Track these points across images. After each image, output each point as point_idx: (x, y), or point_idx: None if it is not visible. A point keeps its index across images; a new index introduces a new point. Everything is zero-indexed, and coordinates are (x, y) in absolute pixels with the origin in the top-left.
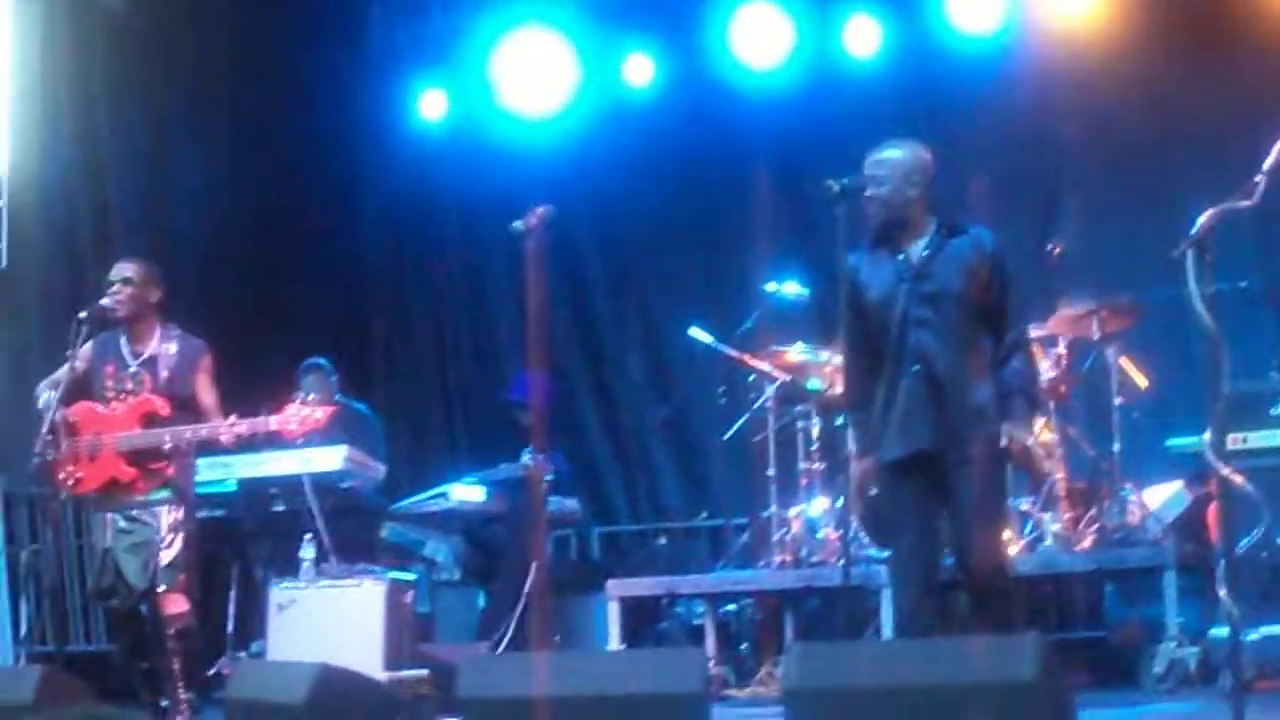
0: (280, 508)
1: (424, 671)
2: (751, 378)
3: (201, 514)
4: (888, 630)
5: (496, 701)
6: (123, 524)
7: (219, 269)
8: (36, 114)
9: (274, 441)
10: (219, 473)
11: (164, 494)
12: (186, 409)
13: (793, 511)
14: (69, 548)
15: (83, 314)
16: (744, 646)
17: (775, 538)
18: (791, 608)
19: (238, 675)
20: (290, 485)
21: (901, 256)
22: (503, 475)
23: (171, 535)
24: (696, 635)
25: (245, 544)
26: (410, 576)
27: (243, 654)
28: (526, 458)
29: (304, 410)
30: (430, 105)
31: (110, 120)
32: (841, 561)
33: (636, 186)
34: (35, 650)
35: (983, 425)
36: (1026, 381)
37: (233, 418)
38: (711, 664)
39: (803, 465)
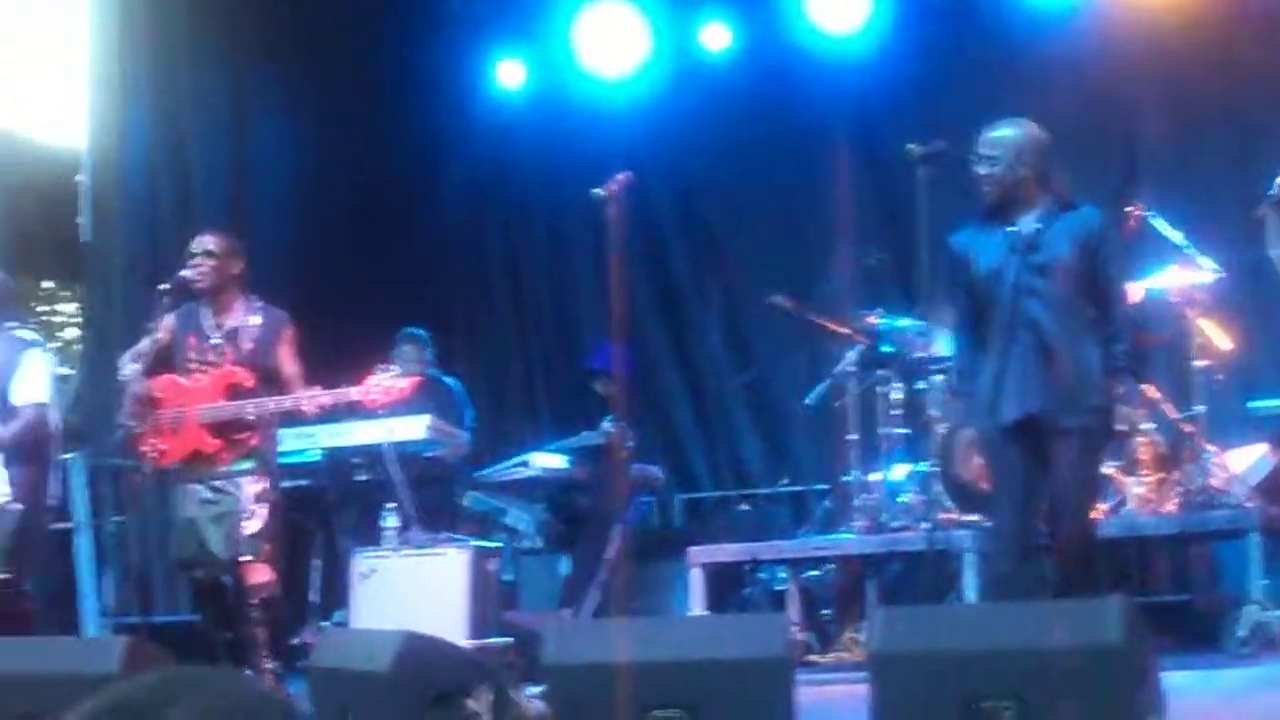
0: (364, 477)
1: (508, 639)
2: (833, 342)
3: (285, 484)
4: (970, 594)
5: (580, 668)
6: (206, 495)
7: (300, 241)
8: (116, 89)
9: (357, 411)
10: (303, 442)
11: (248, 465)
12: (269, 380)
13: (874, 476)
14: (152, 519)
15: (164, 286)
16: (826, 612)
17: (857, 503)
18: (873, 573)
19: (322, 644)
20: (374, 454)
21: (1013, 229)
22: (584, 443)
23: (255, 506)
24: (779, 601)
25: (329, 513)
26: (493, 545)
27: (326, 623)
28: (608, 425)
29: (386, 380)
30: (510, 74)
31: (190, 93)
32: (924, 526)
33: (715, 153)
34: (119, 621)
35: (1089, 395)
36: (1132, 359)
37: (316, 388)
38: (794, 630)
39: (884, 430)
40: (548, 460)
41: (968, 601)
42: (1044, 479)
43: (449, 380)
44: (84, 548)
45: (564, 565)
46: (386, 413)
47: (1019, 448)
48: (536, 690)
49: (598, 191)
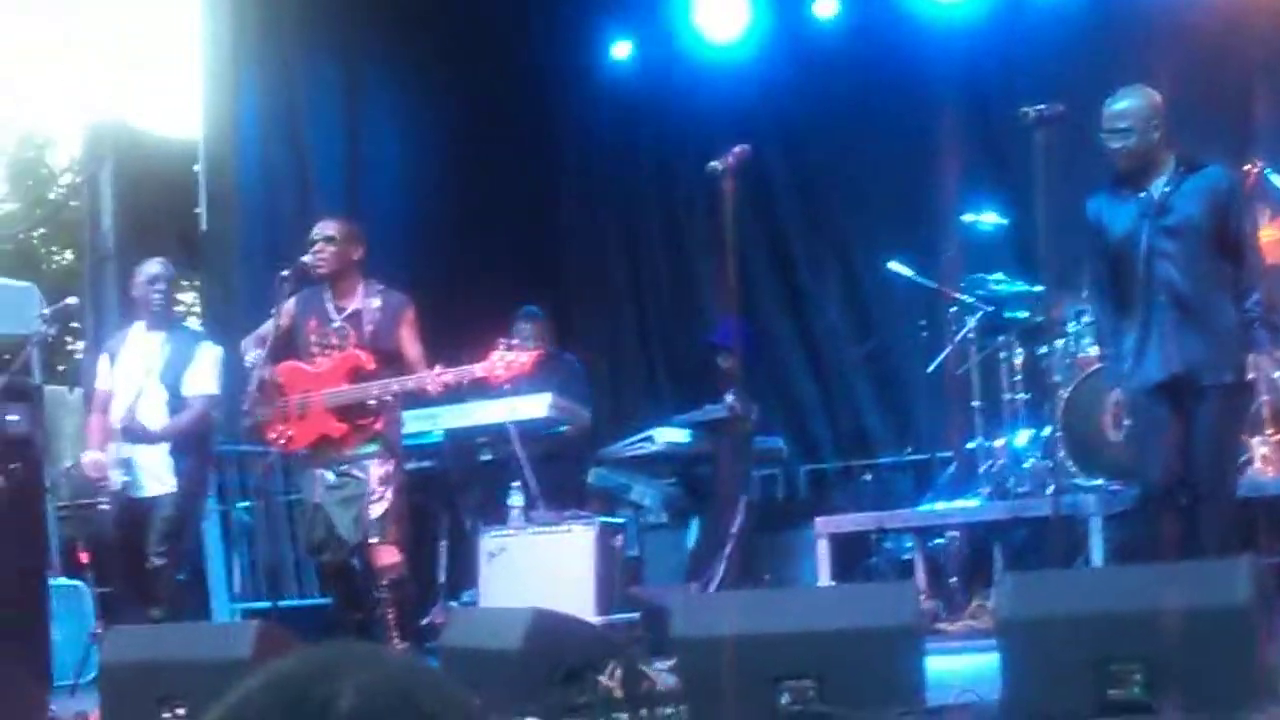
0: (488, 456)
1: (635, 614)
2: (952, 309)
3: (410, 465)
4: (1097, 558)
5: (709, 641)
6: (333, 479)
7: (416, 222)
8: (230, 78)
9: (480, 390)
10: (426, 424)
11: (373, 448)
12: (391, 363)
13: (998, 442)
14: (279, 503)
15: (285, 272)
16: (953, 580)
17: (981, 469)
18: (1000, 539)
19: (452, 624)
20: (497, 434)
21: (1144, 194)
22: (707, 416)
23: (382, 488)
24: (905, 570)
25: (454, 494)
26: (619, 520)
27: (455, 603)
28: (730, 398)
29: (509, 355)
30: (623, 49)
31: (304, 80)
32: (1050, 491)
33: (829, 121)
34: (249, 606)
35: (1228, 352)
36: (1266, 310)
37: (438, 367)
38: (922, 598)
39: (1006, 396)
40: (671, 435)
41: (1095, 565)
42: (1187, 437)
43: (568, 356)
44: (213, 533)
45: (689, 539)
46: (509, 391)
47: (1164, 408)
48: (665, 664)
49: (714, 165)
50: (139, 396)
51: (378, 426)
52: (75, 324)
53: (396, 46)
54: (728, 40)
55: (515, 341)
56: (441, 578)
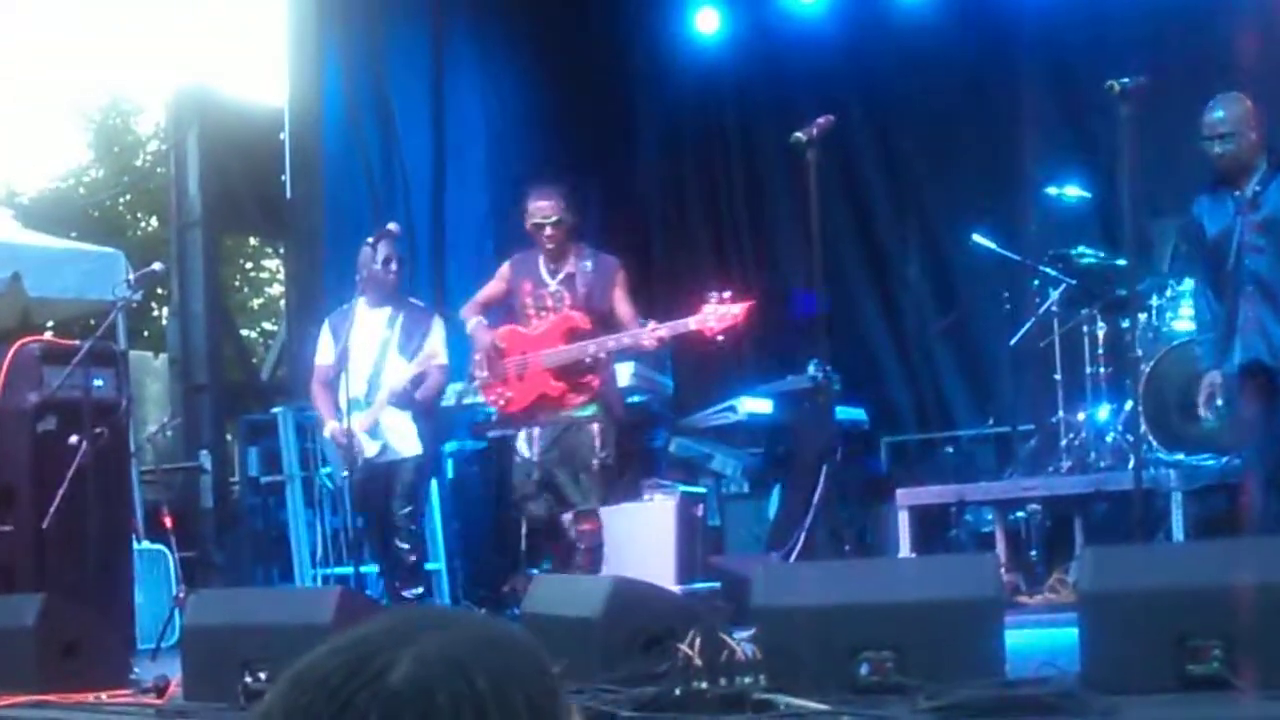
0: None
1: (716, 584)
2: (1035, 282)
3: (492, 434)
4: (1178, 533)
5: (789, 611)
6: (551, 437)
7: (500, 190)
8: (314, 45)
9: (690, 343)
10: None
11: (592, 410)
12: (605, 323)
13: (1080, 416)
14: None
15: (370, 239)
16: (1034, 553)
17: (1063, 443)
18: (1080, 513)
19: (533, 591)
20: None
21: (1239, 193)
22: (790, 387)
23: (602, 451)
24: (986, 543)
25: None
26: (700, 490)
27: (536, 570)
28: (813, 369)
29: (721, 308)
30: (709, 16)
31: (389, 47)
32: (1131, 465)
33: (914, 92)
34: (329, 572)
35: None
36: None
37: (651, 323)
38: (1002, 571)
39: (1088, 369)
40: (753, 405)
41: (1176, 540)
42: (1273, 417)
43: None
44: (295, 499)
45: (770, 509)
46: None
47: (1254, 389)
48: (746, 633)
49: (798, 136)
50: (380, 368)
51: (595, 385)
52: (160, 290)
53: (482, 13)
54: (813, 10)
55: (728, 294)
56: (523, 546)
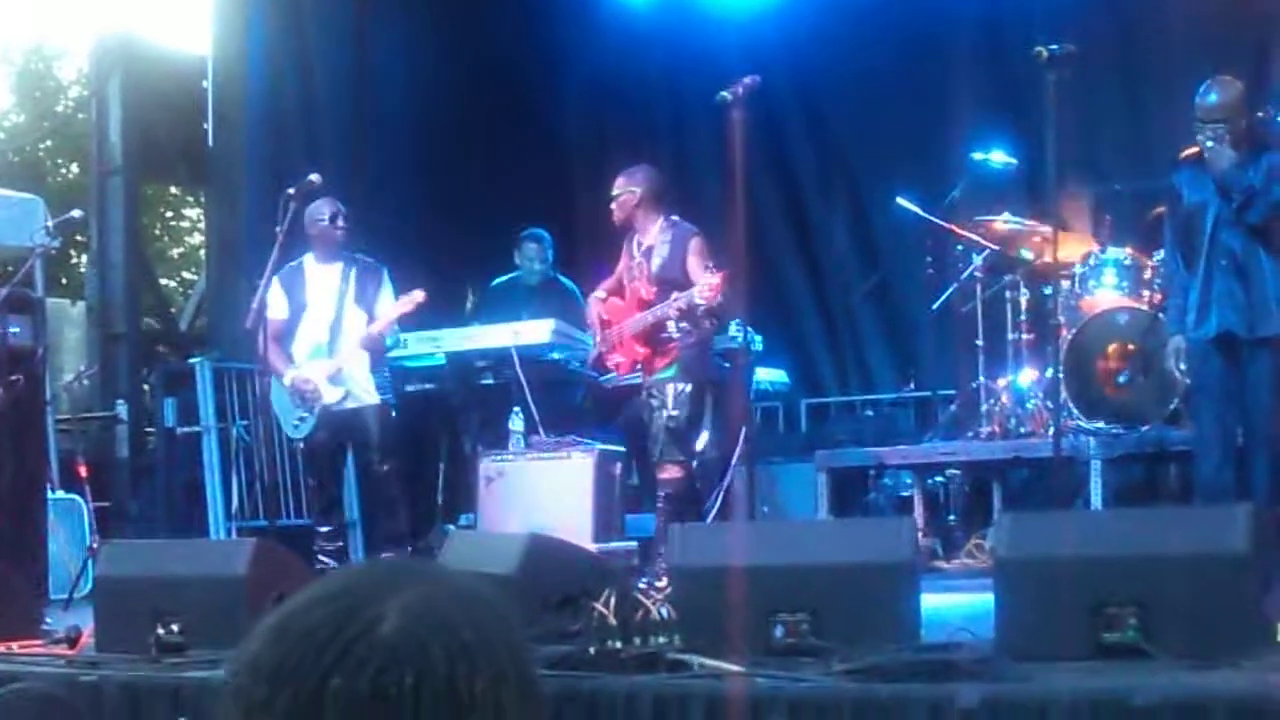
0: (489, 381)
1: (632, 542)
2: (959, 247)
3: (410, 388)
4: (1096, 500)
5: (704, 571)
6: (646, 399)
7: (422, 144)
8: None
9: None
10: (428, 346)
11: (671, 372)
12: (681, 290)
13: (1001, 382)
14: (276, 423)
15: (290, 190)
16: (952, 518)
17: (983, 408)
18: (999, 479)
19: (448, 546)
20: (499, 358)
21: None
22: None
23: (675, 409)
24: (904, 507)
25: (454, 417)
26: (619, 449)
27: (452, 526)
28: (734, 330)
29: (707, 276)
30: None
31: None
32: (1051, 432)
33: (842, 54)
34: (245, 524)
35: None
36: None
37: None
38: (920, 535)
39: (1011, 336)
40: None
41: (1094, 508)
42: (1239, 387)
43: (566, 281)
44: (211, 450)
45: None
46: (511, 317)
47: (1217, 360)
48: (660, 593)
49: (723, 95)
50: (340, 319)
51: (674, 350)
52: (80, 237)
53: None
54: None
55: (711, 264)
56: (439, 500)
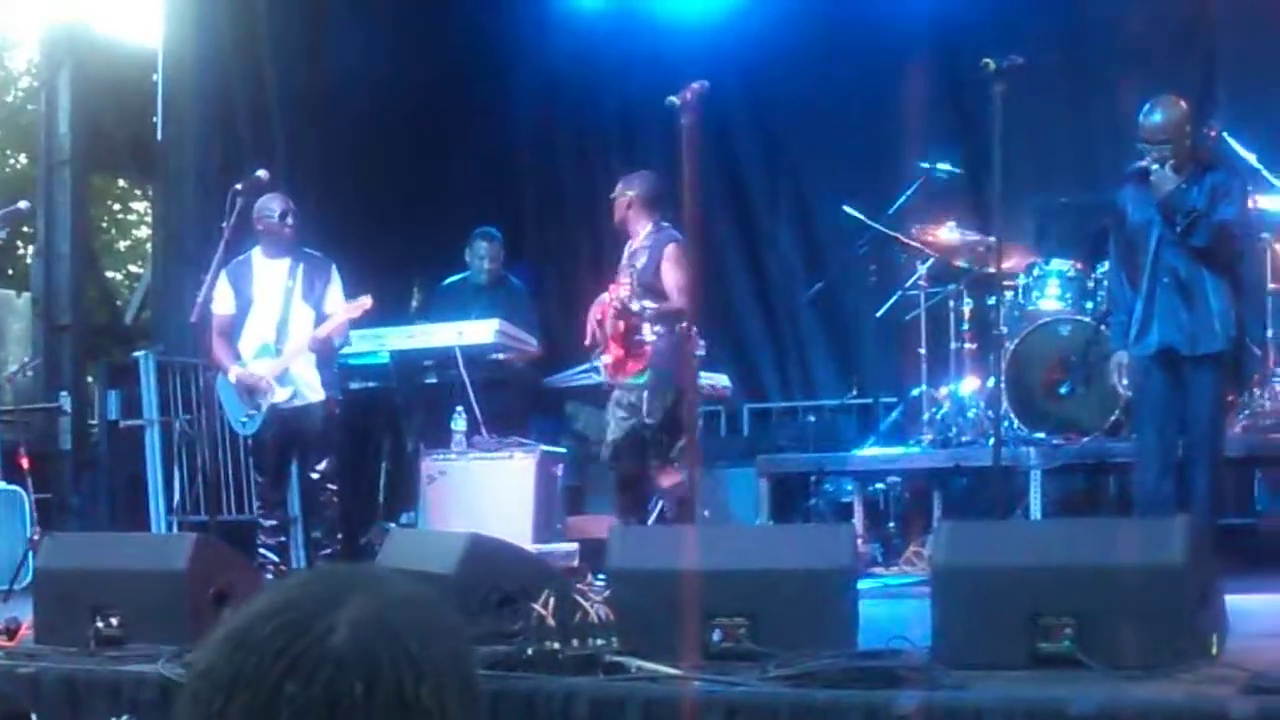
0: (432, 380)
1: (573, 544)
2: (904, 256)
3: (354, 385)
4: (1035, 510)
5: (644, 574)
6: (617, 397)
7: (374, 141)
8: None
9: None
10: (372, 345)
11: (644, 379)
12: (657, 295)
13: (943, 390)
14: (219, 419)
15: (238, 185)
16: (891, 525)
17: (925, 416)
18: (939, 487)
19: (388, 545)
20: (443, 357)
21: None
22: None
23: (644, 412)
24: (844, 513)
25: (397, 416)
26: (560, 450)
27: (392, 524)
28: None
29: None
30: None
31: None
32: (992, 442)
33: (791, 62)
34: (187, 519)
35: (1220, 329)
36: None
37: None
38: (859, 542)
39: (954, 345)
40: None
41: (1033, 518)
42: (1181, 402)
43: (515, 280)
44: (154, 444)
45: None
46: (456, 316)
47: (1159, 375)
48: (600, 595)
49: (672, 99)
50: (287, 317)
51: (648, 354)
52: (26, 228)
53: None
54: None
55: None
56: (381, 498)
